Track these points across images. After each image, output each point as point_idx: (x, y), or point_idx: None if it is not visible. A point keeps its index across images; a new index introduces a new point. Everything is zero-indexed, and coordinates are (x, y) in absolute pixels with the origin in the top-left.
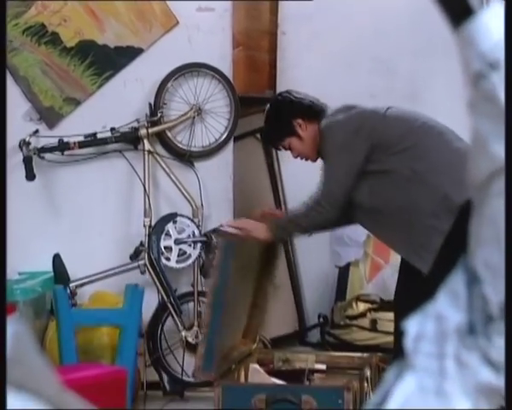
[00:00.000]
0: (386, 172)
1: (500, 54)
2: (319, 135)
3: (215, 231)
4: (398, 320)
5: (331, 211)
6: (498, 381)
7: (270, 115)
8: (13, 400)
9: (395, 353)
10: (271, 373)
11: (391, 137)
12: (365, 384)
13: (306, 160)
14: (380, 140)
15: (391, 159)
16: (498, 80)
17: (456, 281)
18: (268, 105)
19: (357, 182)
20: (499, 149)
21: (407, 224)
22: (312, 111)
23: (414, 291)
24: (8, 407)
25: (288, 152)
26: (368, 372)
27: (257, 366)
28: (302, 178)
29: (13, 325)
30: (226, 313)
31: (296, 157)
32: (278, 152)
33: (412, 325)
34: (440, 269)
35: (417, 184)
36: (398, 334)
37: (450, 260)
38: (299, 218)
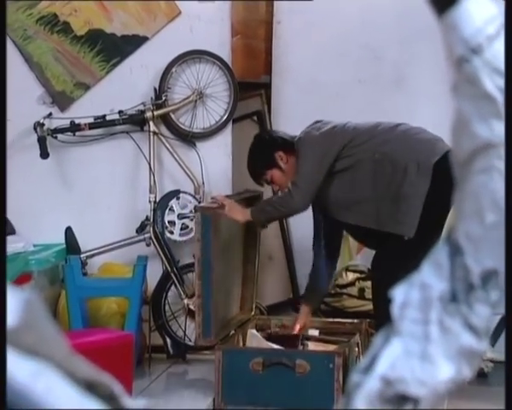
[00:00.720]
0: (357, 162)
1: (481, 39)
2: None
3: (195, 208)
4: (374, 286)
5: (300, 202)
6: (478, 345)
7: (254, 150)
8: (25, 364)
9: (378, 317)
10: (269, 338)
11: (354, 135)
12: (355, 349)
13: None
14: (345, 140)
15: (358, 150)
16: (480, 64)
17: (439, 253)
18: (252, 141)
19: (322, 184)
20: (480, 129)
21: (387, 200)
22: (292, 145)
23: (392, 258)
24: (20, 372)
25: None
26: (358, 338)
27: (254, 331)
28: None
29: (25, 294)
30: (216, 284)
31: (277, 190)
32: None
33: (399, 293)
34: (423, 231)
35: (389, 163)
36: (386, 302)
37: (432, 222)
38: (275, 201)
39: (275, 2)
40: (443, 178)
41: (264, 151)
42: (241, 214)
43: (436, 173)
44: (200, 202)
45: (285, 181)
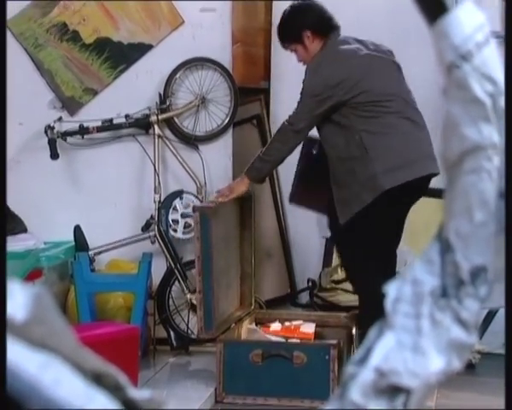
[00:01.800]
0: (344, 127)
1: (471, 46)
2: (312, 60)
3: (193, 208)
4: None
5: (292, 139)
6: (468, 338)
7: (286, 20)
8: (33, 356)
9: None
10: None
11: (363, 99)
12: (350, 341)
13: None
14: (353, 98)
15: (352, 117)
16: (469, 70)
17: (431, 249)
18: (287, 7)
19: (318, 123)
20: (469, 131)
21: (344, 179)
22: (323, 27)
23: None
24: (29, 364)
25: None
26: (353, 330)
27: (254, 326)
28: (293, 159)
29: (35, 289)
30: (216, 280)
31: (299, 62)
32: (272, 135)
33: (392, 288)
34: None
35: (360, 153)
36: (378, 295)
37: (360, 229)
38: (265, 154)
39: (273, 11)
40: (392, 202)
41: (293, 25)
42: (240, 186)
43: (388, 196)
44: (202, 202)
45: (306, 58)
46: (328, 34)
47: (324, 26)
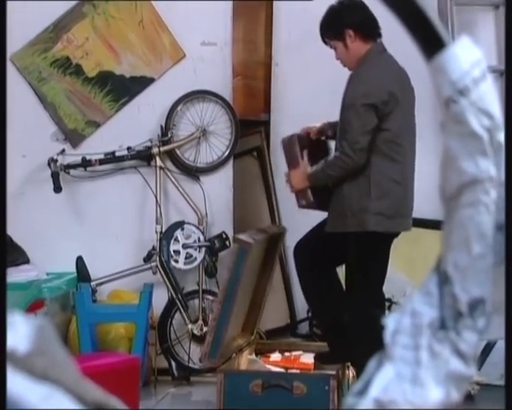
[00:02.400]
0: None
1: (468, 81)
2: (356, 66)
3: (233, 239)
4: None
5: (355, 158)
6: (467, 370)
7: (330, 14)
8: (36, 388)
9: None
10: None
11: (390, 126)
12: (349, 371)
13: (344, 66)
14: (386, 122)
15: (372, 148)
16: (466, 105)
17: (429, 282)
18: (334, 2)
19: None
20: (467, 165)
21: (342, 193)
22: (366, 28)
23: None
24: (31, 396)
25: (280, 168)
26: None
27: (254, 357)
28: None
29: (38, 320)
30: (232, 310)
31: (337, 59)
32: (272, 167)
33: (391, 320)
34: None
35: (364, 184)
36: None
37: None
38: (329, 167)
39: (273, 45)
40: (373, 240)
41: (336, 21)
42: (301, 183)
43: (378, 239)
44: (203, 233)
45: (345, 57)
46: (372, 39)
47: (368, 28)
